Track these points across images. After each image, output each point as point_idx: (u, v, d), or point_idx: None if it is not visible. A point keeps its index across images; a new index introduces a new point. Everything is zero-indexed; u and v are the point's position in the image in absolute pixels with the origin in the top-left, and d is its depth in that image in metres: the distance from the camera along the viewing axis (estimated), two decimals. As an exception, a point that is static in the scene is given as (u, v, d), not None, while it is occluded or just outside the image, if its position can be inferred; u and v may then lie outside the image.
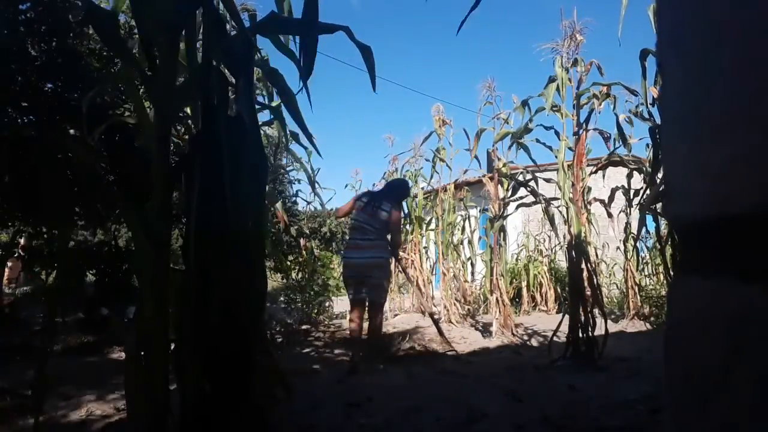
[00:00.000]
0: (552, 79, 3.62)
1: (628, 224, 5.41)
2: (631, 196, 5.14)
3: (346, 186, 7.54)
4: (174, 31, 1.24)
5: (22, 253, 3.90)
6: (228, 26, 2.38)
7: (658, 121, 2.69)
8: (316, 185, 5.10)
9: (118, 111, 3.16)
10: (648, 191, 3.59)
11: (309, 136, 1.66)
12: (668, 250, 3.19)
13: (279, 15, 1.34)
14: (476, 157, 4.96)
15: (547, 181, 4.06)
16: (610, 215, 5.04)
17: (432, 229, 6.76)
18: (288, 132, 3.34)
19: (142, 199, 1.23)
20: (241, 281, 1.10)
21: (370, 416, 2.20)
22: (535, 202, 3.97)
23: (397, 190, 3.72)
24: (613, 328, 4.68)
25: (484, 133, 4.76)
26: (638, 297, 5.42)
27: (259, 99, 3.25)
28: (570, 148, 3.58)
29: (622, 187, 5.11)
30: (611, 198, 4.96)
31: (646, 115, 3.45)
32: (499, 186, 4.66)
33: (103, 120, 1.81)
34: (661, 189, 3.07)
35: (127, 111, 3.33)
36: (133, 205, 1.22)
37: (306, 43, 1.26)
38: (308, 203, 7.24)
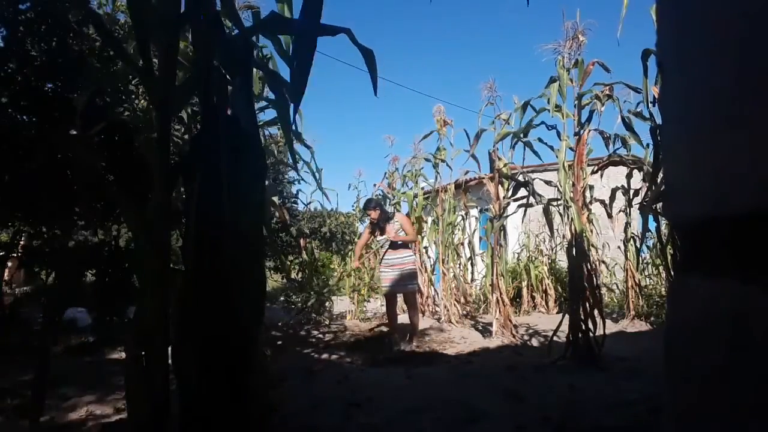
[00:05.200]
0: (553, 80, 3.62)
1: (628, 224, 5.41)
2: (631, 196, 5.15)
3: (349, 187, 7.52)
4: (173, 31, 1.24)
5: (21, 253, 3.89)
6: (228, 25, 2.39)
7: (659, 121, 2.69)
8: (322, 193, 5.09)
9: (119, 110, 3.15)
10: (649, 191, 3.59)
11: (291, 142, 1.67)
12: (669, 250, 3.19)
13: (279, 15, 1.31)
14: (474, 157, 4.96)
15: (547, 182, 4.06)
16: (610, 216, 5.04)
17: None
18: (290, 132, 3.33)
19: (142, 199, 1.23)
20: (241, 281, 1.10)
21: (370, 416, 2.19)
22: (535, 203, 3.97)
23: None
24: (613, 328, 4.68)
25: (486, 134, 4.77)
26: (638, 297, 5.42)
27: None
28: (571, 148, 3.58)
29: (622, 187, 5.11)
30: (612, 198, 4.96)
31: (647, 115, 3.44)
32: (500, 186, 4.66)
33: (103, 120, 1.81)
34: (661, 189, 3.07)
35: (127, 111, 3.32)
36: (133, 205, 1.22)
37: (300, 53, 1.14)
38: (307, 204, 7.23)
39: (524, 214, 4.47)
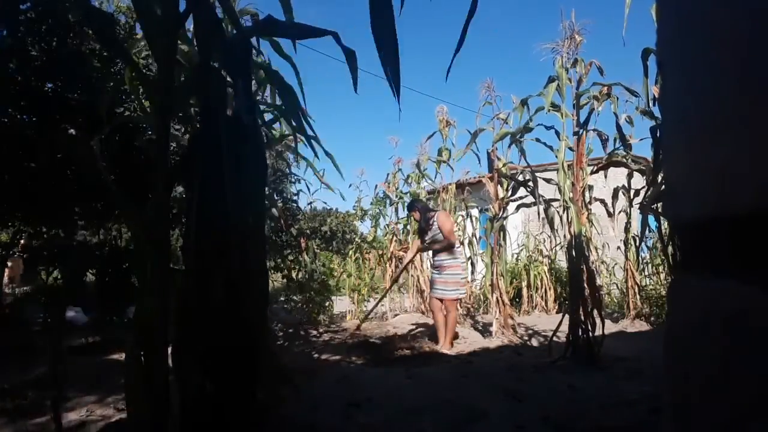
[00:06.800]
0: (552, 79, 3.61)
1: (628, 224, 5.41)
2: (632, 196, 5.15)
3: (350, 186, 7.59)
4: (173, 31, 1.24)
5: (22, 253, 3.89)
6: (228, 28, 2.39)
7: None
8: (324, 185, 5.05)
9: (118, 110, 3.15)
10: (650, 191, 3.59)
11: (305, 135, 1.68)
12: (670, 250, 3.18)
13: (275, 18, 1.34)
14: (478, 156, 4.97)
15: (548, 181, 4.06)
16: (610, 215, 5.03)
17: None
18: (293, 133, 3.33)
19: (142, 199, 1.23)
20: (242, 280, 1.10)
21: (370, 416, 2.19)
22: (535, 203, 3.96)
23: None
24: (613, 328, 4.68)
25: (485, 134, 4.77)
26: (638, 297, 5.42)
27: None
28: (570, 148, 3.57)
29: (623, 187, 5.11)
30: (614, 198, 4.96)
31: (649, 114, 3.44)
32: (499, 186, 4.66)
33: (103, 120, 1.81)
34: (661, 189, 3.07)
35: (127, 111, 3.32)
36: (133, 205, 1.22)
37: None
38: (307, 204, 7.23)
39: (528, 215, 4.47)
